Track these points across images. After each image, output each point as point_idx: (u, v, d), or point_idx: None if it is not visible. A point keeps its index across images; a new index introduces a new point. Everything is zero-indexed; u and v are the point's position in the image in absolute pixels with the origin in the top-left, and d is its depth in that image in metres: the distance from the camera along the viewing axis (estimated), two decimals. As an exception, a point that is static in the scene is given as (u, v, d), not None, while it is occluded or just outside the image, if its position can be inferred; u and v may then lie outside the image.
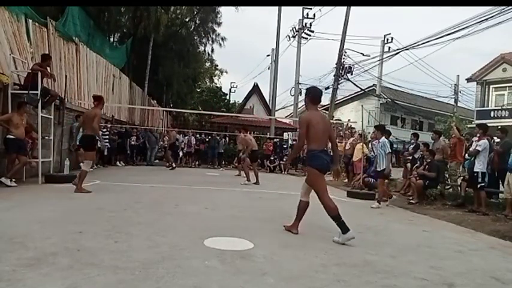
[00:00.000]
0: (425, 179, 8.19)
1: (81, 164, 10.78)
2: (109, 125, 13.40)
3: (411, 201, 8.23)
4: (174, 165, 14.21)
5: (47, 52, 9.22)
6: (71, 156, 10.32)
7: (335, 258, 3.58)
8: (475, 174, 7.23)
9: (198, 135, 18.19)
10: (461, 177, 8.54)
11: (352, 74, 20.46)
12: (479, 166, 7.19)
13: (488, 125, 8.36)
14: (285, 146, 18.86)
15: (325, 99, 27.38)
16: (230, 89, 39.48)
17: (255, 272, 3.05)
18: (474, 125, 13.27)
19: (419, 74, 70.84)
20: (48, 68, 8.31)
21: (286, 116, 29.60)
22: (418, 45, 17.35)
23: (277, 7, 21.11)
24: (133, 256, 3.22)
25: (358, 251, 3.93)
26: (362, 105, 10.86)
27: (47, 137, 8.47)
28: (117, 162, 14.26)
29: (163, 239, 3.84)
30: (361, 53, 20.93)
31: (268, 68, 28.57)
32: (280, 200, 7.87)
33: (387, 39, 24.60)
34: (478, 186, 7.23)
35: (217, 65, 34.69)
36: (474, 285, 3.15)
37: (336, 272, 3.17)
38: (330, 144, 4.77)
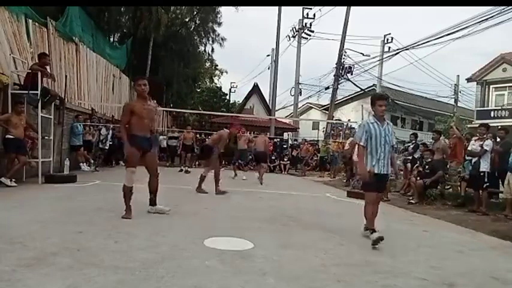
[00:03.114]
0: (435, 183, 8.17)
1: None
2: (110, 125, 13.37)
3: (411, 201, 8.23)
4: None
5: (47, 52, 9.23)
6: (71, 156, 10.32)
7: (335, 258, 3.58)
8: (481, 174, 7.18)
9: (198, 135, 18.15)
10: (461, 177, 8.53)
11: (352, 74, 20.53)
12: (485, 166, 7.16)
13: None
14: (285, 146, 18.84)
15: (325, 99, 27.56)
16: (230, 89, 39.40)
17: (255, 272, 3.05)
18: (474, 125, 13.27)
19: (419, 74, 70.72)
20: (48, 67, 8.30)
21: (286, 116, 29.60)
22: (418, 45, 17.44)
23: (277, 7, 21.16)
24: (134, 256, 3.22)
25: (358, 251, 3.93)
26: (362, 105, 10.87)
27: (47, 137, 8.46)
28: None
29: (163, 239, 3.84)
30: (361, 53, 21.00)
31: (268, 68, 28.57)
32: (280, 200, 7.87)
33: (387, 39, 24.57)
34: (484, 186, 7.19)
35: (217, 65, 34.64)
36: (474, 285, 3.15)
37: (336, 272, 3.17)
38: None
